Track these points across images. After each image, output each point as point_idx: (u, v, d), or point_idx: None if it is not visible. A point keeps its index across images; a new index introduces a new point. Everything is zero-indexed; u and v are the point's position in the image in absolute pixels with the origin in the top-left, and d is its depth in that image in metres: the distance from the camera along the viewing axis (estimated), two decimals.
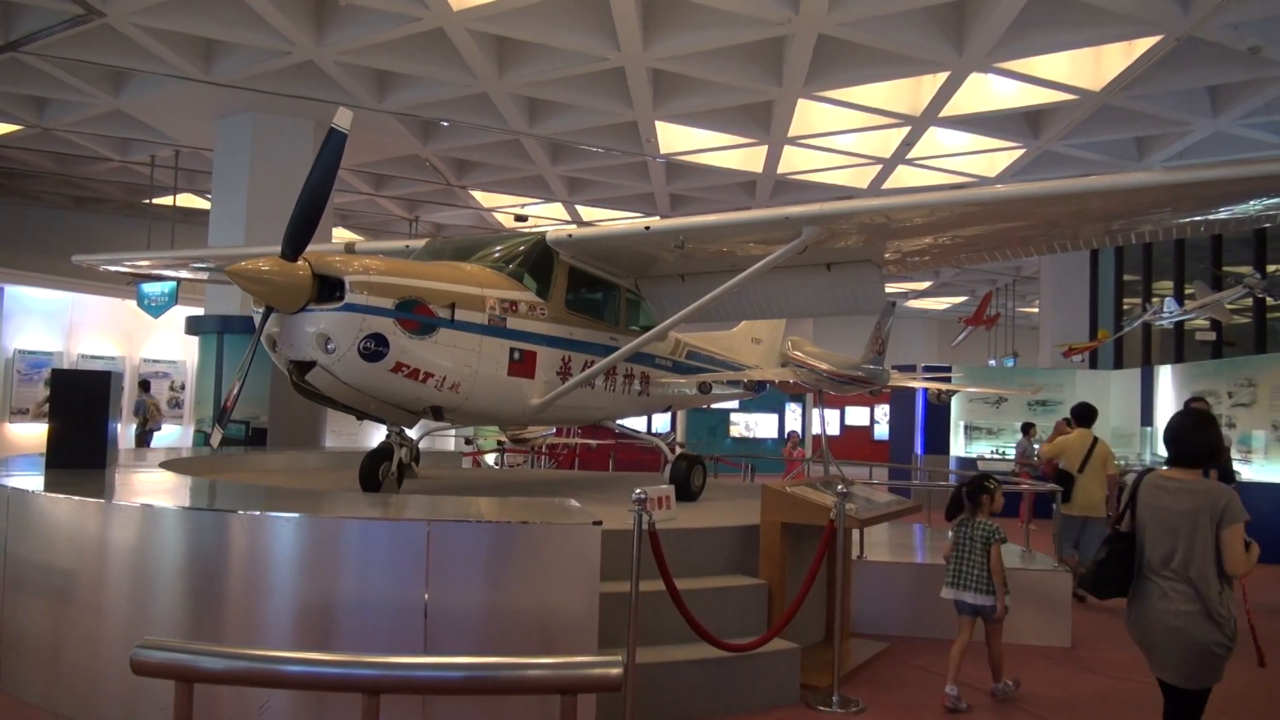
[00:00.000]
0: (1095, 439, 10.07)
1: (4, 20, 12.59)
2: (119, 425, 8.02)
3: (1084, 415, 10.32)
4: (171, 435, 19.27)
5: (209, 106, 14.97)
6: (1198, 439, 4.38)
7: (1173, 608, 4.16)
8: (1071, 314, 23.07)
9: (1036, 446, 16.36)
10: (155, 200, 19.95)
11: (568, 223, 22.36)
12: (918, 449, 21.06)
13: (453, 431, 16.66)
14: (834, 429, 28.69)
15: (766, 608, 6.45)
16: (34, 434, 16.03)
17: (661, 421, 24.59)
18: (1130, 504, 4.50)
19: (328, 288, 6.47)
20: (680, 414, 26.86)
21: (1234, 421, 15.32)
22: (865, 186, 18.68)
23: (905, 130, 15.53)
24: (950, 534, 6.64)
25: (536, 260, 8.20)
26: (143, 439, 17.20)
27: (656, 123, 15.52)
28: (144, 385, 18.07)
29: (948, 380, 18.46)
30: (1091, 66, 13.13)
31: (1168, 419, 4.70)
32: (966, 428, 20.38)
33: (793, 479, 7.86)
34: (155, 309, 15.65)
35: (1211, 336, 17.13)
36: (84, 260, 12.57)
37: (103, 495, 5.61)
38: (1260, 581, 11.46)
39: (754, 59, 13.08)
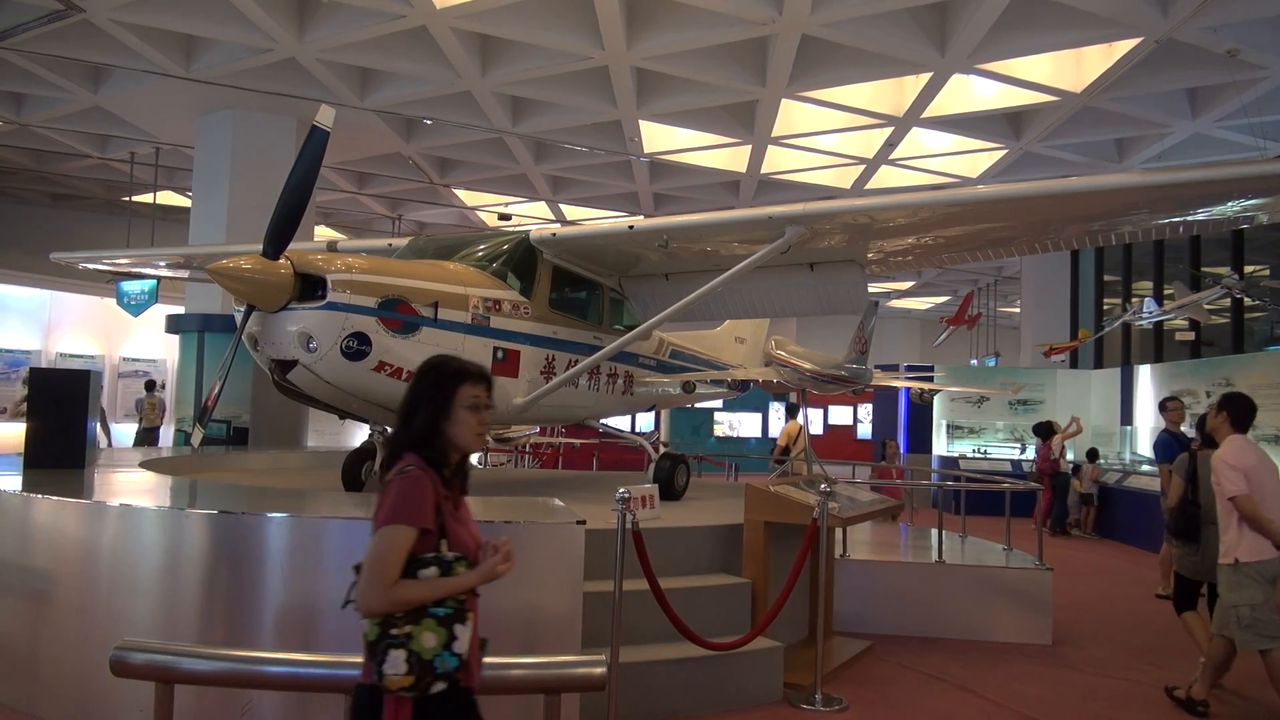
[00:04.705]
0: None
1: None
2: (96, 425, 7.92)
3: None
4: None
5: (189, 103, 14.85)
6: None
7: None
8: (1052, 314, 23.23)
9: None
10: (135, 198, 19.78)
11: (551, 222, 22.33)
12: (900, 448, 21.16)
13: None
14: (817, 428, 28.76)
15: (750, 607, 6.46)
16: (12, 433, 15.87)
17: (645, 421, 24.61)
18: (1193, 475, 6.77)
19: (310, 286, 6.44)
20: (664, 413, 26.88)
21: None
22: (848, 187, 18.74)
23: (888, 131, 15.59)
24: None
25: (520, 259, 8.19)
26: (144, 439, 16.90)
27: (640, 122, 15.52)
28: (149, 385, 17.83)
29: (930, 380, 18.57)
30: (1072, 68, 13.23)
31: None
32: (949, 427, 20.49)
33: (775, 478, 7.87)
34: (135, 307, 15.51)
35: (1190, 336, 17.26)
36: (62, 258, 12.45)
37: (82, 495, 5.56)
38: None
39: (737, 59, 13.10)
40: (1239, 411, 6.16)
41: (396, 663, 2.69)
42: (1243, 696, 6.76)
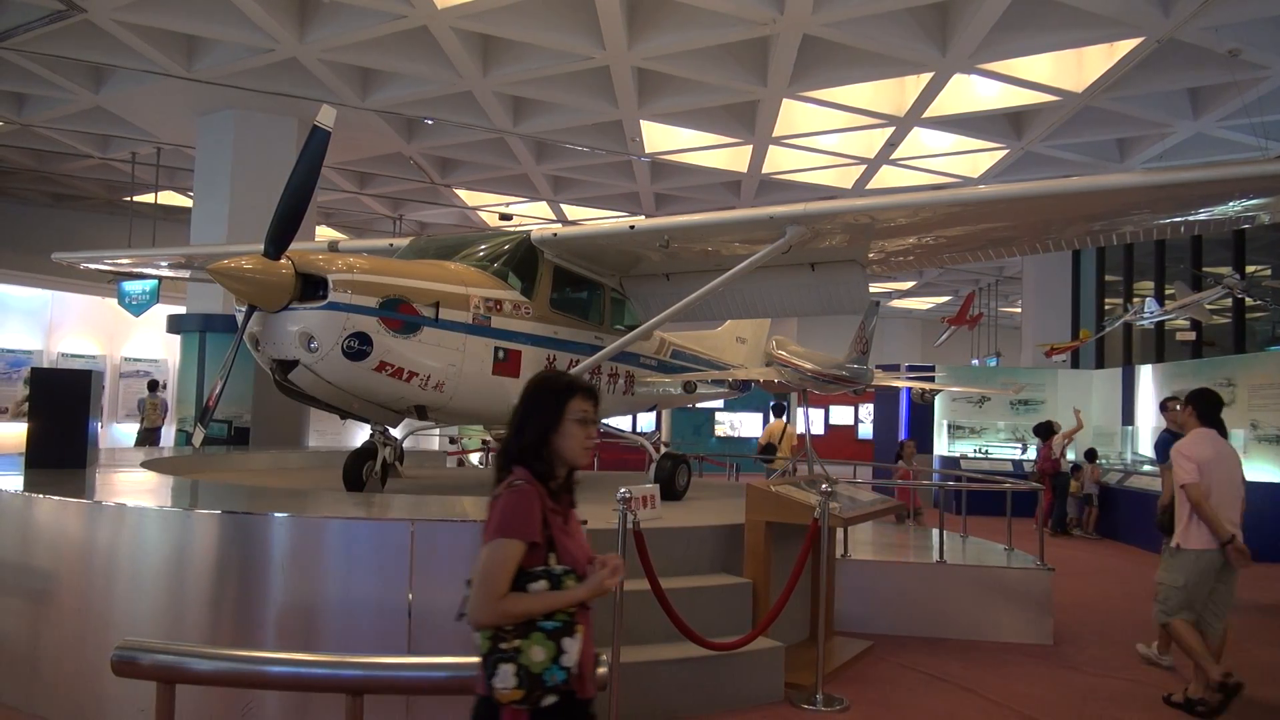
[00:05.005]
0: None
1: None
2: (98, 424, 7.92)
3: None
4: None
5: (191, 103, 14.86)
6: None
7: None
8: (1053, 314, 23.23)
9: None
10: (136, 198, 19.78)
11: (552, 222, 22.33)
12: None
13: (437, 431, 16.60)
14: (818, 428, 28.75)
15: (751, 606, 6.46)
16: (13, 433, 15.88)
17: (646, 420, 24.60)
18: None
19: (311, 286, 6.44)
20: (665, 413, 26.87)
21: None
22: (849, 187, 18.73)
23: (889, 131, 15.59)
24: None
25: (521, 259, 8.19)
26: (146, 439, 16.89)
27: (641, 122, 15.52)
28: (151, 385, 17.84)
29: (931, 380, 18.56)
30: (1073, 68, 13.22)
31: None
32: (950, 427, 20.48)
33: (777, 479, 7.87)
34: (136, 307, 15.53)
35: (1191, 336, 17.26)
36: (64, 258, 12.46)
37: (83, 495, 5.57)
38: (1245, 579, 11.57)
39: (739, 59, 13.10)
40: (1205, 406, 6.52)
41: (506, 676, 2.73)
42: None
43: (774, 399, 17.24)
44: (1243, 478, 6.50)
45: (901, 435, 21.16)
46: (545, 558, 2.85)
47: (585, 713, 2.91)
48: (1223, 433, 6.65)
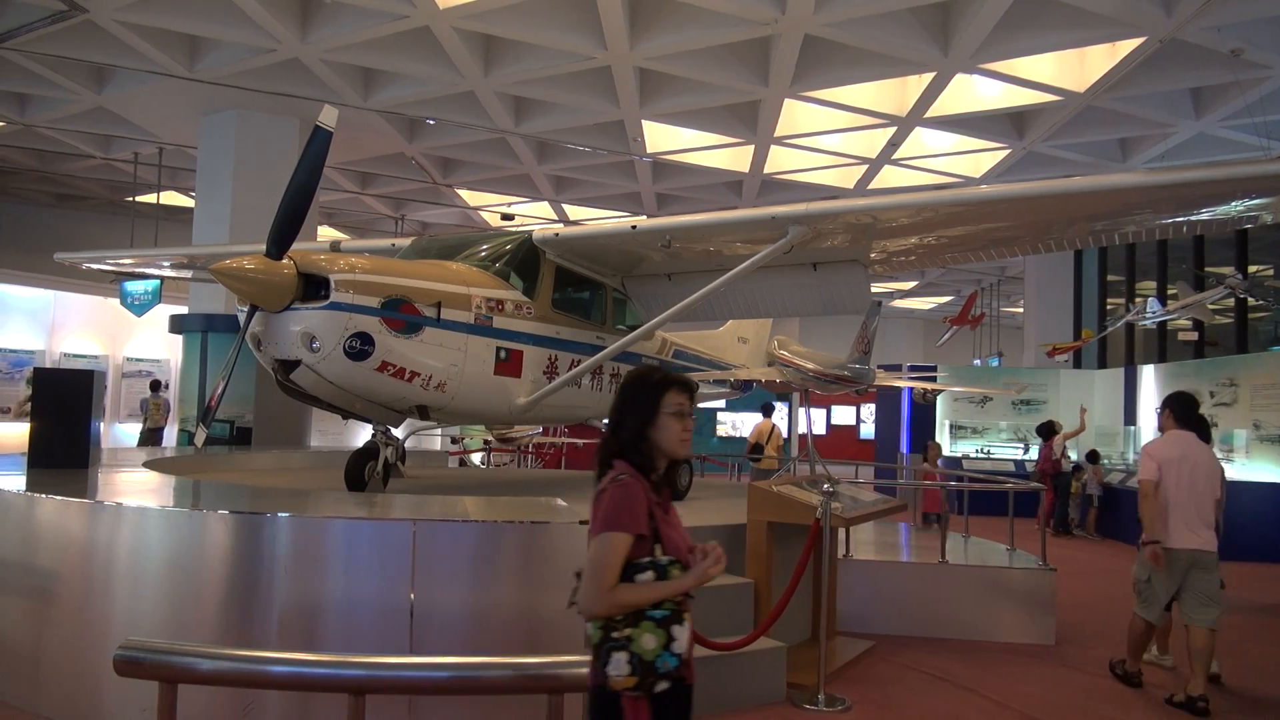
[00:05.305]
0: None
1: None
2: (100, 424, 7.93)
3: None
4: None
5: (193, 103, 14.87)
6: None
7: None
8: (1055, 314, 23.22)
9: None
10: (138, 198, 19.80)
11: (554, 222, 22.33)
12: (903, 448, 21.14)
13: (439, 431, 16.62)
14: (820, 428, 28.74)
15: (753, 606, 6.46)
16: (16, 433, 15.90)
17: None
18: None
19: (313, 286, 6.44)
20: None
21: (1216, 421, 15.45)
22: (851, 187, 18.73)
23: (891, 131, 15.58)
24: None
25: (523, 259, 8.19)
26: (149, 439, 16.91)
27: (643, 122, 15.52)
28: (154, 385, 17.87)
29: (933, 380, 18.57)
30: (1075, 68, 13.21)
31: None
32: (952, 427, 20.47)
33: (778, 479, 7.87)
34: (139, 307, 15.54)
35: (1194, 337, 17.26)
36: (66, 258, 12.47)
37: (85, 495, 5.57)
38: (1246, 579, 11.58)
39: (740, 59, 13.10)
40: (1182, 409, 6.83)
41: (619, 664, 2.82)
42: (1236, 692, 6.75)
43: (763, 399, 17.30)
44: (1219, 481, 6.58)
45: (903, 435, 21.17)
46: (651, 549, 2.93)
47: (689, 698, 2.99)
48: (1205, 435, 6.92)
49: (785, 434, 24.31)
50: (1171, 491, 6.43)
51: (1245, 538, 13.11)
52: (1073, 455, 17.21)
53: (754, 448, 16.00)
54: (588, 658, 2.96)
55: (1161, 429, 6.96)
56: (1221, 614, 6.40)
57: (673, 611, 2.90)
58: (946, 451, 20.01)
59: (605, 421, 3.21)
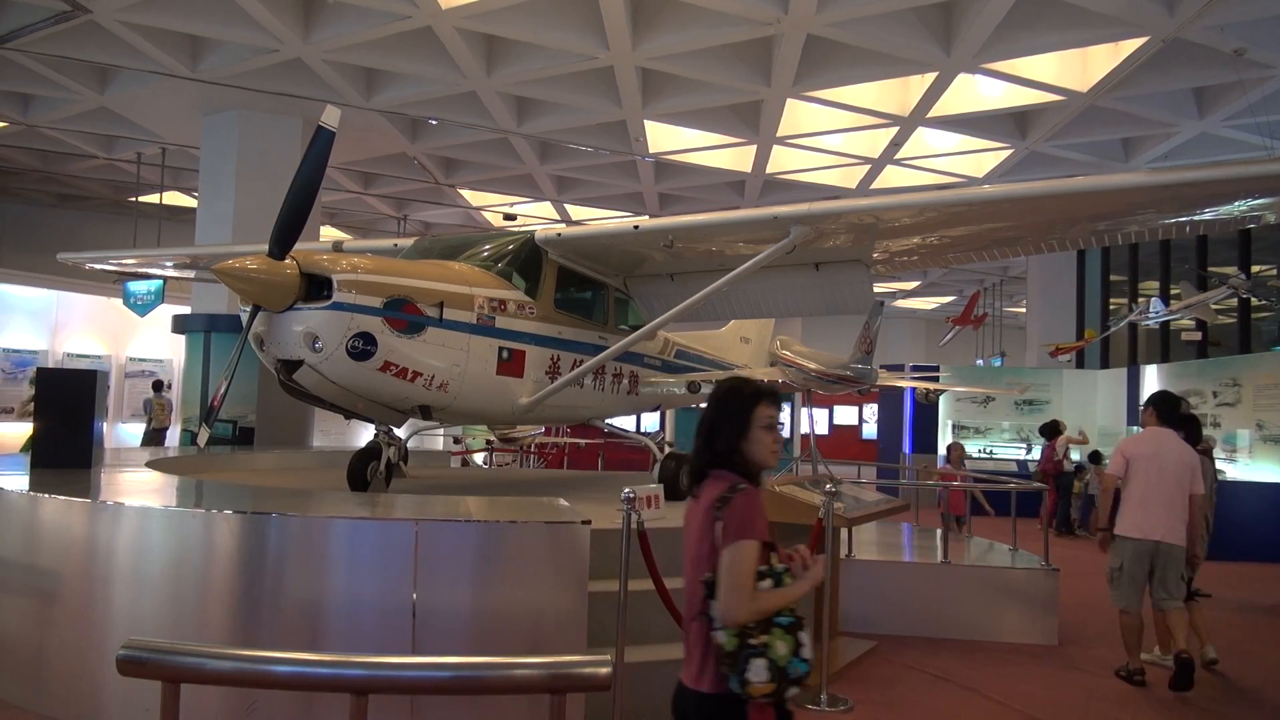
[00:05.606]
0: None
1: None
2: (103, 424, 7.94)
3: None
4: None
5: (196, 104, 14.88)
6: None
7: None
8: (1058, 314, 23.19)
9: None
10: (141, 198, 19.83)
11: (556, 222, 22.34)
12: (906, 448, 21.13)
13: (441, 431, 16.62)
14: (822, 428, 28.72)
15: None
16: (19, 433, 15.91)
17: (650, 421, 24.58)
18: None
19: (315, 286, 6.45)
20: (669, 413, 26.83)
21: (1219, 421, 15.44)
22: (853, 187, 18.71)
23: (893, 130, 15.57)
24: None
25: (525, 259, 8.19)
26: (153, 439, 16.89)
27: (645, 122, 15.51)
28: (156, 385, 17.87)
29: (935, 380, 18.55)
30: (1078, 68, 13.19)
31: None
32: (954, 427, 20.46)
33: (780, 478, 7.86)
34: (141, 307, 15.54)
35: (1197, 336, 17.25)
36: (69, 258, 12.49)
37: (88, 495, 5.57)
38: (1248, 579, 11.57)
39: (743, 59, 13.09)
40: (1164, 409, 7.17)
41: (760, 670, 2.89)
42: (1236, 692, 6.74)
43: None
44: (1192, 478, 6.80)
45: (906, 436, 21.16)
46: (768, 557, 3.00)
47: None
48: (1196, 433, 7.52)
49: (787, 434, 24.32)
50: (1140, 485, 6.80)
51: (1248, 538, 13.10)
52: (1075, 455, 17.20)
53: None
54: (593, 656, 2.96)
55: (1143, 426, 7.27)
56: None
57: (796, 618, 2.97)
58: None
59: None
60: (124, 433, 18.89)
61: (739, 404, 3.17)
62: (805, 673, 2.96)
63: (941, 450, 20.18)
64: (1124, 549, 6.84)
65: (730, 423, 3.15)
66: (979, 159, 17.42)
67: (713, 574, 2.98)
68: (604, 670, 3.18)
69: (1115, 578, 6.93)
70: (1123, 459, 6.95)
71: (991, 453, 19.98)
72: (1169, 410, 7.16)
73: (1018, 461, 19.35)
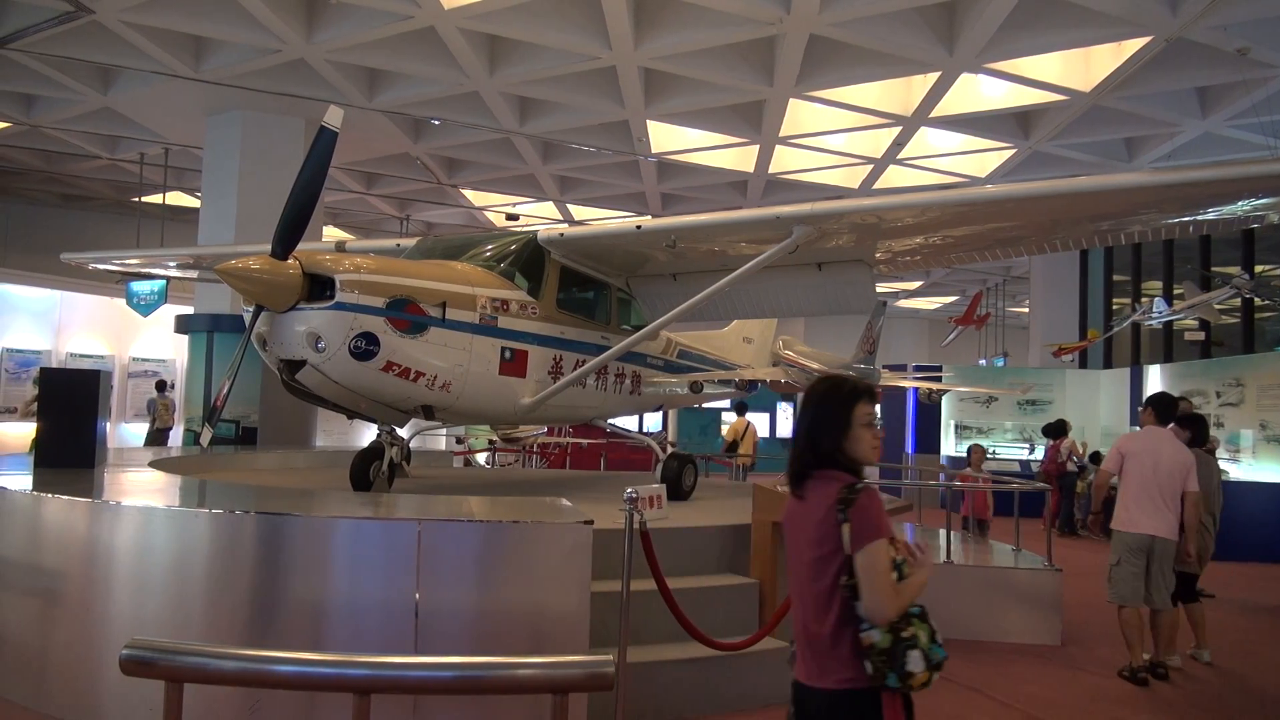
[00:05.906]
0: None
1: None
2: (106, 424, 7.94)
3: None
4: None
5: (198, 104, 14.91)
6: None
7: None
8: (1061, 314, 23.16)
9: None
10: (144, 198, 19.86)
11: (559, 222, 22.34)
12: (908, 449, 21.11)
13: (444, 430, 16.63)
14: None
15: (758, 606, 6.45)
16: (22, 433, 15.93)
17: (653, 421, 24.60)
18: None
19: (318, 286, 6.45)
20: (672, 413, 26.86)
21: (1222, 421, 15.41)
22: (856, 186, 18.70)
23: (896, 130, 15.56)
24: None
25: (528, 259, 8.19)
26: (156, 439, 16.93)
27: (648, 122, 15.52)
28: (160, 386, 17.90)
29: (938, 380, 18.53)
30: (1081, 67, 13.18)
31: None
32: (957, 427, 20.43)
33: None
34: (145, 307, 15.57)
35: (1200, 337, 17.22)
36: (73, 258, 12.50)
37: (91, 495, 5.58)
38: (1249, 579, 11.55)
39: (745, 58, 13.09)
40: (1161, 409, 7.30)
41: (917, 661, 3.02)
42: (1237, 693, 6.73)
43: (762, 400, 17.57)
44: (1185, 476, 6.91)
45: (908, 436, 21.13)
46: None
47: None
48: (1201, 437, 7.65)
49: (787, 434, 24.31)
50: (1134, 480, 6.93)
51: (1251, 538, 13.09)
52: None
53: (730, 445, 16.33)
54: (595, 657, 2.96)
55: (1142, 426, 7.40)
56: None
57: (921, 607, 3.07)
58: (950, 452, 19.99)
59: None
60: (127, 433, 18.92)
61: (839, 403, 3.18)
62: (945, 657, 3.06)
63: (943, 450, 20.19)
64: (1121, 543, 6.97)
65: (832, 422, 3.17)
66: (982, 159, 17.40)
67: (850, 576, 3.01)
68: (606, 670, 3.18)
69: (1112, 573, 7.02)
70: (1118, 455, 7.11)
71: (994, 453, 19.94)
72: (1167, 410, 7.30)
73: (1020, 462, 19.32)
